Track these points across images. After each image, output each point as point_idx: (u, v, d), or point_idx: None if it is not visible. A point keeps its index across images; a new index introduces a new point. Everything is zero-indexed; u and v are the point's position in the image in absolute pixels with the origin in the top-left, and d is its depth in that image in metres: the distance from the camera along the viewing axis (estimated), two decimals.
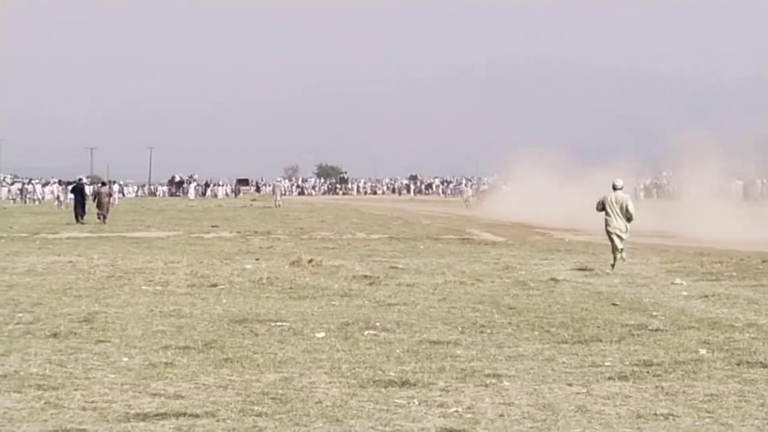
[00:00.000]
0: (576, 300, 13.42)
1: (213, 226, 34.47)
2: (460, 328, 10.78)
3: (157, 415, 6.75)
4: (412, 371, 8.29)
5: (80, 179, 43.63)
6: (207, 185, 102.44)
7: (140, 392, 7.46)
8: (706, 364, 8.63)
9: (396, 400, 7.22)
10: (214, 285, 15.00)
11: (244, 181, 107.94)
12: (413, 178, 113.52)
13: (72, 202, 42.46)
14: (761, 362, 8.73)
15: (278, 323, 10.99)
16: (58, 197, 60.60)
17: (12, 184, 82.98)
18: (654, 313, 12.04)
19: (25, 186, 79.11)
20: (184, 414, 6.77)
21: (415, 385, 7.77)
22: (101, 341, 9.75)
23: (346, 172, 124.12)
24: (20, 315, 11.51)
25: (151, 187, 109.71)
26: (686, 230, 29.99)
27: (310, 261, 18.33)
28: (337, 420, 6.66)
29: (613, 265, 18.33)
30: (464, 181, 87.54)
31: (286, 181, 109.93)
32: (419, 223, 38.82)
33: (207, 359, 8.83)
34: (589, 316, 11.74)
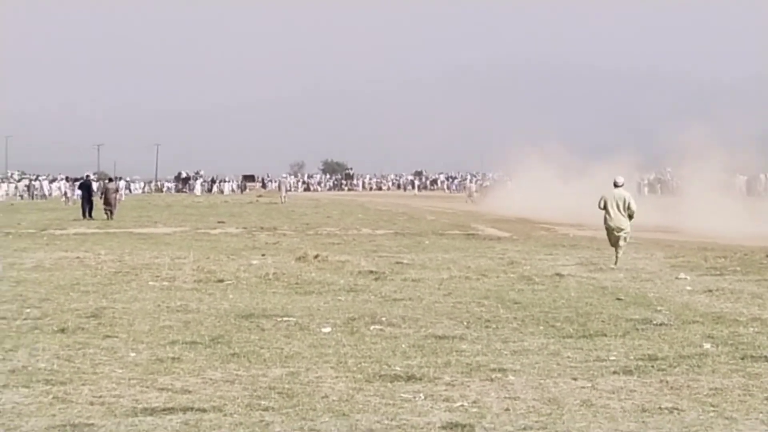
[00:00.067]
0: (581, 295, 13.47)
1: (219, 222, 34.51)
2: (465, 323, 10.82)
3: (164, 409, 6.79)
4: (417, 366, 8.33)
5: (87, 176, 43.80)
6: (213, 181, 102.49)
7: (147, 387, 7.50)
8: (711, 359, 8.66)
9: (402, 395, 7.25)
10: (221, 280, 15.06)
11: (250, 178, 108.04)
12: (418, 173, 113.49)
13: (79, 199, 42.56)
14: (765, 356, 8.76)
15: (285, 318, 11.03)
16: (65, 193, 60.74)
17: (19, 180, 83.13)
18: (658, 308, 12.08)
19: (32, 182, 79.26)
20: (192, 408, 6.80)
21: (420, 379, 7.80)
22: (109, 336, 9.80)
23: (351, 168, 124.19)
24: (28, 310, 11.57)
25: (158, 183, 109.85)
26: (690, 225, 30.02)
27: (316, 256, 18.38)
28: (344, 414, 6.69)
29: (616, 262, 18.33)
30: (469, 177, 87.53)
31: (292, 177, 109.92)
32: (424, 218, 38.85)
33: (214, 354, 8.87)
34: (594, 310, 11.79)
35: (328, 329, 10.32)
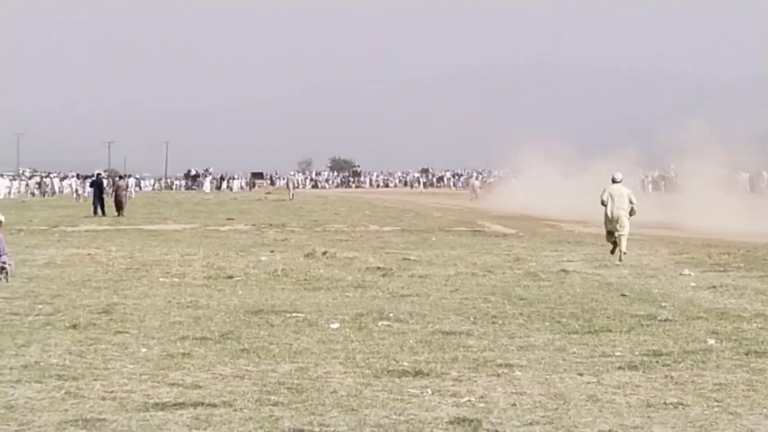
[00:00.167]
0: (586, 291, 13.53)
1: (228, 219, 34.56)
2: (472, 319, 10.87)
3: (175, 404, 6.83)
4: (425, 361, 8.37)
5: (98, 174, 43.91)
6: (222, 179, 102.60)
7: (158, 382, 7.54)
8: (715, 354, 8.70)
9: (410, 390, 7.29)
10: (230, 277, 15.13)
11: (258, 175, 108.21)
12: (425, 171, 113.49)
13: (90, 196, 42.74)
14: None
15: (293, 314, 11.09)
16: (76, 191, 60.98)
17: (30, 178, 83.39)
18: (663, 304, 12.13)
19: (44, 180, 79.54)
20: (202, 403, 6.84)
21: (428, 374, 7.85)
22: (120, 332, 9.87)
23: (358, 166, 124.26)
24: (40, 306, 11.65)
25: (168, 180, 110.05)
26: (693, 222, 30.07)
27: (324, 253, 18.45)
28: (352, 409, 6.72)
29: (621, 258, 18.42)
30: (475, 174, 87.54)
31: (300, 174, 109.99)
32: (431, 215, 38.86)
33: (224, 350, 8.92)
34: (599, 306, 11.84)
35: (336, 325, 10.38)
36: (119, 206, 36.93)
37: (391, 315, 11.03)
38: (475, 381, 7.64)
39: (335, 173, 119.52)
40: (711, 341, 9.38)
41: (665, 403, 6.93)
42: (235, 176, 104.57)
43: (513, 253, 19.94)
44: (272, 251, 20.22)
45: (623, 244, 18.65)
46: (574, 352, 8.83)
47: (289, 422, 6.40)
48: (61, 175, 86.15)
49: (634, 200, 18.96)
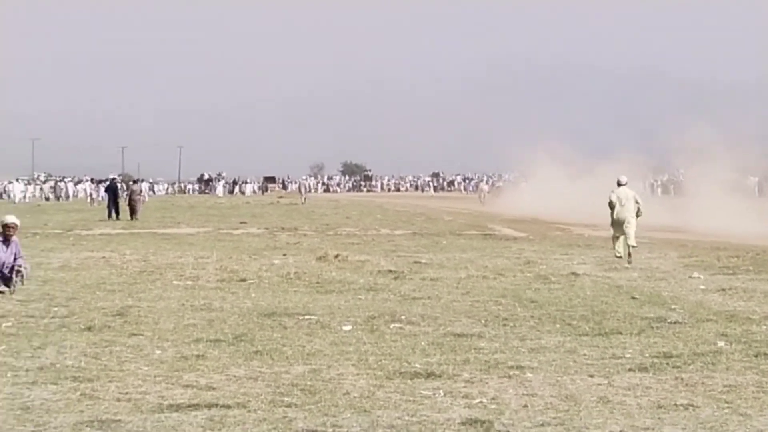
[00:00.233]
0: (596, 294, 13.56)
1: (241, 223, 34.70)
2: (483, 321, 10.90)
3: (189, 405, 6.85)
4: (437, 363, 8.40)
5: (113, 178, 44.21)
6: (235, 183, 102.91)
7: (173, 384, 7.56)
8: (725, 356, 8.71)
9: (422, 392, 7.31)
10: (243, 280, 15.19)
11: (271, 179, 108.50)
12: (435, 175, 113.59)
13: (104, 200, 42.99)
14: None
15: (306, 317, 11.13)
16: (90, 195, 61.32)
17: (45, 182, 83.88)
18: (672, 306, 12.15)
19: (58, 184, 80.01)
20: (216, 405, 6.87)
21: (440, 376, 7.87)
22: (134, 334, 9.91)
23: (370, 170, 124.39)
24: (56, 309, 11.71)
25: (181, 184, 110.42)
26: (703, 225, 30.07)
27: (336, 256, 18.51)
28: (365, 411, 6.74)
29: (629, 261, 18.51)
30: (485, 178, 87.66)
31: (312, 178, 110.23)
32: (441, 219, 38.94)
33: (237, 352, 8.96)
34: (609, 309, 11.87)
35: (348, 327, 10.41)
36: (133, 210, 37.15)
37: (403, 317, 11.06)
38: (487, 383, 7.66)
39: (347, 177, 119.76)
40: (721, 343, 9.39)
41: (676, 404, 6.94)
42: (248, 180, 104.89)
43: (523, 256, 19.98)
44: (285, 254, 20.29)
45: (632, 239, 18.80)
46: (585, 354, 8.85)
47: (303, 423, 6.42)
48: (76, 179, 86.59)
49: (640, 201, 19.16)
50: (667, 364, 8.37)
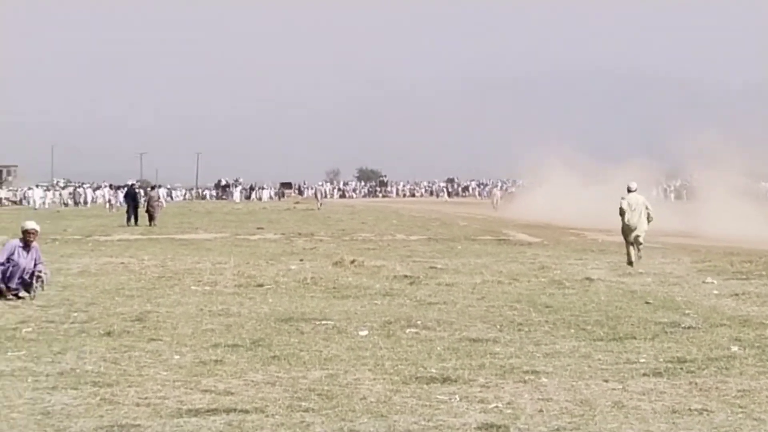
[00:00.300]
0: (610, 299, 13.59)
1: (258, 228, 34.77)
2: (498, 326, 10.95)
3: (208, 410, 6.90)
4: (453, 368, 8.44)
5: (132, 184, 44.45)
6: (252, 189, 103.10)
7: (191, 389, 7.61)
8: (738, 361, 8.73)
9: (438, 396, 7.35)
10: (261, 285, 15.26)
11: (287, 185, 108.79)
12: (450, 180, 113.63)
13: (122, 206, 43.25)
14: None
15: (323, 322, 11.19)
16: (109, 201, 61.70)
17: (64, 188, 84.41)
18: (686, 311, 12.18)
19: (77, 190, 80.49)
20: (234, 410, 6.91)
21: (456, 381, 7.91)
22: (153, 339, 9.97)
23: (385, 176, 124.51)
24: (75, 314, 11.80)
25: (198, 190, 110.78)
26: (715, 231, 30.08)
27: (353, 261, 18.59)
28: (382, 415, 6.78)
29: (631, 263, 18.74)
30: (500, 184, 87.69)
31: (328, 184, 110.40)
32: (456, 224, 38.95)
33: (255, 357, 9.02)
34: (624, 314, 11.90)
35: (365, 332, 10.46)
36: (151, 216, 37.36)
37: (419, 322, 11.11)
38: (502, 387, 7.70)
39: (362, 183, 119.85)
40: (734, 348, 9.41)
41: (690, 409, 6.97)
42: (264, 186, 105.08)
43: (538, 262, 20.01)
44: (301, 260, 20.36)
45: (640, 251, 19.00)
46: (600, 359, 8.88)
47: (320, 428, 6.47)
48: (94, 185, 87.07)
49: (650, 207, 19.37)
50: (681, 369, 8.40)
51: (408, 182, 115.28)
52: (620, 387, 7.71)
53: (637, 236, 19.07)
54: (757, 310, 12.48)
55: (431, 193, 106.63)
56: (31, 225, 13.83)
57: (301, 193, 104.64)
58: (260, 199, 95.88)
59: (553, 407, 7.03)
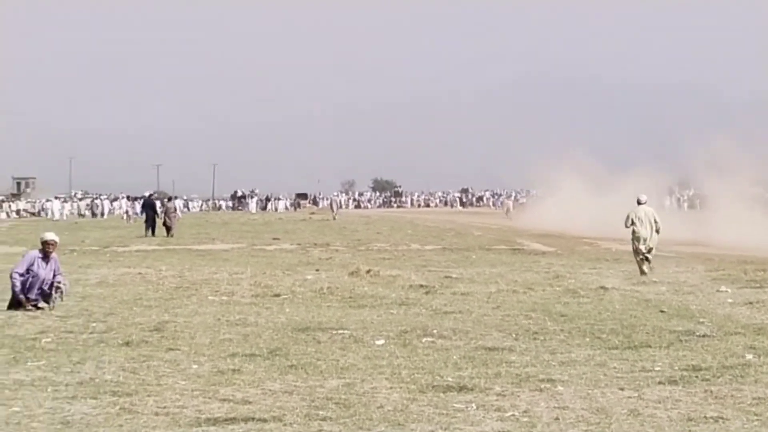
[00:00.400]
0: (625, 307, 13.59)
1: (274, 239, 34.84)
2: (514, 335, 10.98)
3: (226, 419, 6.93)
4: (469, 377, 8.47)
5: (150, 195, 44.68)
6: (268, 199, 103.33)
7: (210, 398, 7.64)
8: (753, 369, 8.73)
9: (455, 405, 7.37)
10: (277, 295, 15.32)
11: (302, 195, 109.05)
12: (465, 191, 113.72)
13: (139, 217, 43.46)
14: None
15: (339, 331, 11.23)
16: (126, 212, 62.08)
17: (81, 199, 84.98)
18: (701, 320, 12.18)
19: (94, 201, 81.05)
20: (253, 418, 6.94)
21: (472, 390, 7.93)
22: (171, 349, 10.02)
23: (400, 186, 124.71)
24: (94, 324, 11.88)
25: (215, 201, 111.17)
26: (729, 239, 30.08)
27: (368, 271, 18.65)
28: (399, 424, 6.81)
29: (644, 272, 18.83)
30: (514, 194, 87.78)
31: (343, 194, 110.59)
32: (471, 234, 38.97)
33: (272, 366, 9.06)
34: (638, 322, 11.91)
35: (381, 341, 10.49)
36: (168, 227, 37.54)
37: (435, 331, 11.14)
38: (519, 396, 7.72)
39: (377, 193, 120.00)
40: (749, 356, 9.40)
41: (705, 417, 6.98)
42: (280, 197, 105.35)
43: (552, 271, 20.04)
44: (317, 270, 20.43)
45: (651, 262, 19.22)
46: (615, 368, 8.89)
47: None
48: (112, 196, 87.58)
49: (658, 219, 19.58)
50: (697, 377, 8.41)
51: (423, 192, 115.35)
52: (636, 395, 7.72)
53: (648, 250, 19.21)
54: None
55: (446, 204, 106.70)
56: (50, 236, 13.94)
57: (316, 203, 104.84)
58: (276, 209, 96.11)
59: (569, 415, 7.04)
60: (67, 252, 24.81)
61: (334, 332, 11.17)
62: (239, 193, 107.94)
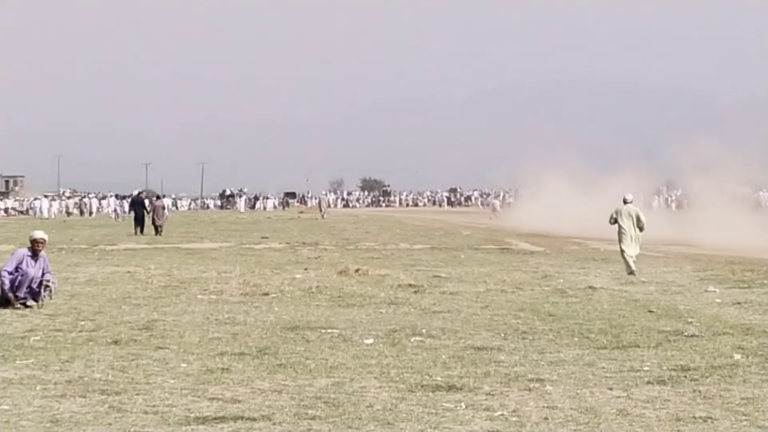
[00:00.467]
0: (613, 307, 13.63)
1: (263, 238, 34.85)
2: (502, 335, 10.99)
3: (215, 418, 6.93)
4: (458, 376, 8.49)
5: (139, 193, 44.60)
6: (256, 198, 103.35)
7: (199, 397, 7.65)
8: (741, 369, 8.77)
9: (444, 404, 7.38)
10: (266, 294, 15.31)
11: (291, 194, 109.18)
12: (453, 190, 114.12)
13: (127, 215, 43.36)
14: None
15: (328, 330, 11.24)
16: (115, 210, 61.96)
17: (69, 198, 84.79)
18: (689, 320, 12.21)
19: (83, 200, 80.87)
20: (242, 417, 6.95)
21: (461, 389, 7.95)
22: (160, 348, 10.02)
23: (388, 185, 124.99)
24: (83, 323, 11.86)
25: (203, 200, 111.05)
26: (716, 239, 30.24)
27: (357, 270, 18.66)
28: (388, 423, 6.81)
29: (632, 272, 18.96)
30: (502, 194, 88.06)
31: (332, 194, 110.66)
32: (459, 233, 39.04)
33: (261, 365, 9.06)
34: (627, 322, 11.94)
35: (370, 341, 10.51)
36: (157, 226, 37.46)
37: (424, 331, 11.15)
38: (508, 395, 7.74)
39: (366, 193, 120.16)
40: (737, 356, 9.44)
41: (694, 417, 7.00)
42: (269, 196, 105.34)
43: (541, 270, 20.08)
44: (306, 269, 20.43)
45: (634, 257, 19.42)
46: (604, 367, 8.92)
47: None
48: (100, 195, 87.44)
49: (642, 218, 19.86)
50: (685, 377, 8.44)
51: (411, 192, 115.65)
52: (625, 395, 7.74)
53: (631, 245, 19.50)
54: (759, 318, 12.51)
55: (434, 203, 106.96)
56: (39, 234, 13.92)
57: (304, 202, 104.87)
58: (264, 208, 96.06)
59: (558, 415, 7.06)
60: (56, 250, 24.73)
61: (323, 331, 11.17)
62: (228, 192, 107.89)
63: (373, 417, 7.00)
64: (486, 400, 7.58)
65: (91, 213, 74.39)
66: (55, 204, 75.40)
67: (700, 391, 7.84)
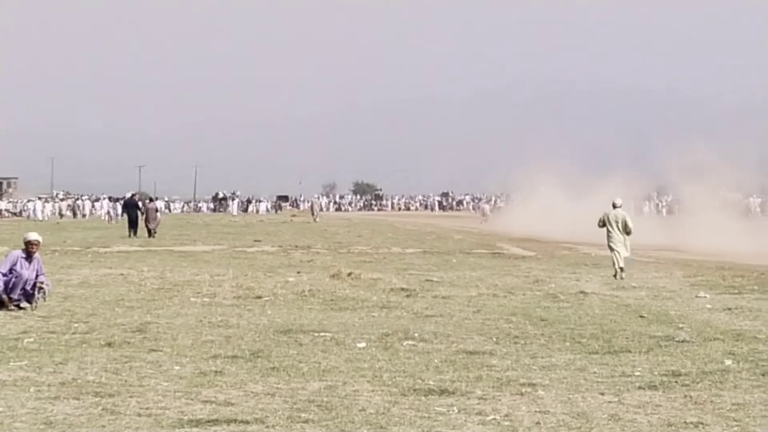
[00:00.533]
0: (605, 312, 13.67)
1: (256, 241, 34.84)
2: (494, 339, 11.02)
3: (209, 421, 6.94)
4: (450, 380, 8.51)
5: (132, 196, 44.58)
6: (249, 201, 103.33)
7: (192, 399, 7.66)
8: (732, 375, 8.80)
9: (436, 408, 7.40)
10: (259, 297, 15.32)
11: (284, 198, 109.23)
12: (445, 194, 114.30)
13: (120, 217, 43.34)
14: None
15: (321, 333, 11.26)
16: (108, 212, 61.91)
17: (63, 200, 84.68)
18: (680, 325, 12.26)
19: (76, 202, 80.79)
20: (235, 420, 6.97)
21: (453, 393, 7.97)
22: (154, 350, 10.03)
23: (381, 189, 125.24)
24: (76, 325, 11.87)
25: (196, 203, 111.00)
26: (707, 245, 30.36)
27: (350, 274, 18.69)
28: (381, 427, 6.84)
29: (615, 276, 19.29)
30: (493, 198, 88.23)
31: (324, 197, 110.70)
32: (451, 238, 39.13)
33: (255, 368, 9.07)
34: (618, 327, 11.98)
35: (363, 344, 10.52)
36: (150, 228, 37.47)
37: (416, 335, 11.18)
38: (500, 399, 7.76)
39: (358, 197, 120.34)
40: (728, 362, 9.48)
41: (685, 422, 7.02)
42: (261, 199, 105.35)
43: (532, 275, 20.15)
44: (299, 272, 20.45)
45: (622, 261, 19.68)
46: (595, 372, 8.95)
47: None
48: (93, 197, 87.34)
49: (630, 224, 20.21)
50: (676, 382, 8.46)
51: (403, 196, 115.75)
52: (616, 400, 7.77)
53: (618, 253, 19.82)
54: (749, 324, 12.57)
55: (426, 207, 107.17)
56: (33, 236, 13.94)
57: (297, 206, 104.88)
58: (257, 212, 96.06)
59: (550, 419, 7.08)
60: (49, 252, 24.71)
61: (316, 335, 11.19)
62: (221, 195, 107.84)
63: (366, 420, 7.02)
64: (478, 404, 7.60)
65: (84, 215, 74.32)
66: (49, 206, 75.31)
67: (691, 397, 7.87)
